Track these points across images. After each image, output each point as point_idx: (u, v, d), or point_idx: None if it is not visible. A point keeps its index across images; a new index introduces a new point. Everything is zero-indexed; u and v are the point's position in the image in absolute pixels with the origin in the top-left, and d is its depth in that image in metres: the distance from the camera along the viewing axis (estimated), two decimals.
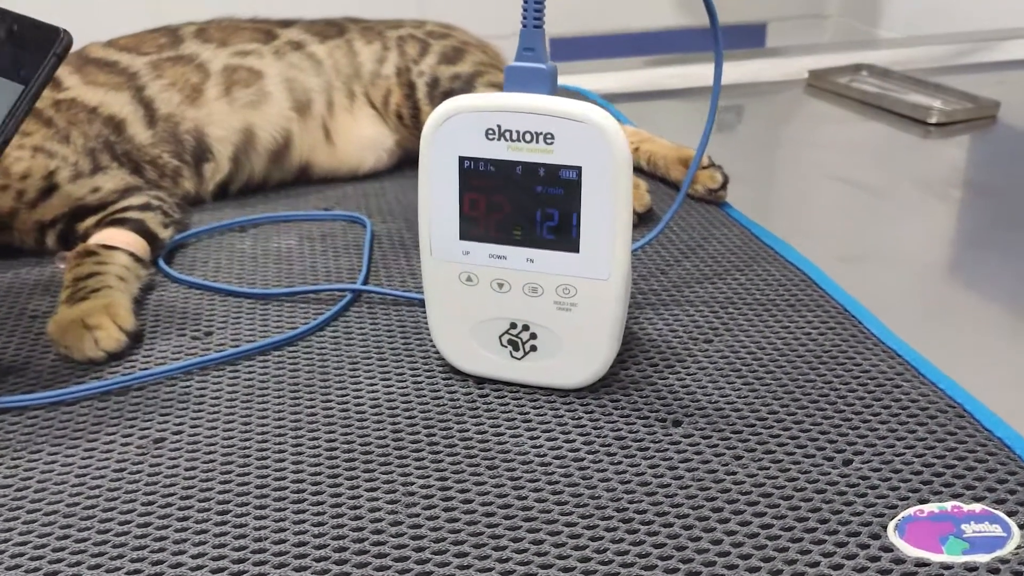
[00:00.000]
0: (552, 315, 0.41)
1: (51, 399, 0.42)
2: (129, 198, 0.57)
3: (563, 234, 0.40)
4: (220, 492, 0.36)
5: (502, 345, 0.43)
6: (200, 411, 0.42)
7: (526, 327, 0.42)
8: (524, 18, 0.39)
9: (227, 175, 0.65)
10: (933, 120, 0.83)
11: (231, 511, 0.35)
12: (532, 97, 0.39)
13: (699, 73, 1.03)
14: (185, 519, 0.35)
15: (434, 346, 0.46)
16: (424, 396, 0.42)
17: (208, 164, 0.64)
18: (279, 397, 0.43)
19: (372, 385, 0.43)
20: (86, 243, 0.52)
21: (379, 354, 0.46)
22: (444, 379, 0.44)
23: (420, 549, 0.33)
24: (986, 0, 1.45)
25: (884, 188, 0.67)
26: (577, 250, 0.40)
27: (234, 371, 0.45)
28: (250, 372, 0.45)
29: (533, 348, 0.42)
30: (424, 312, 0.50)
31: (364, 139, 0.69)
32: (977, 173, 0.71)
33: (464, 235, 0.41)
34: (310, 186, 0.68)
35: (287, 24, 0.72)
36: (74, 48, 0.41)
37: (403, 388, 0.43)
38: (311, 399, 0.42)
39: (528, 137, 0.39)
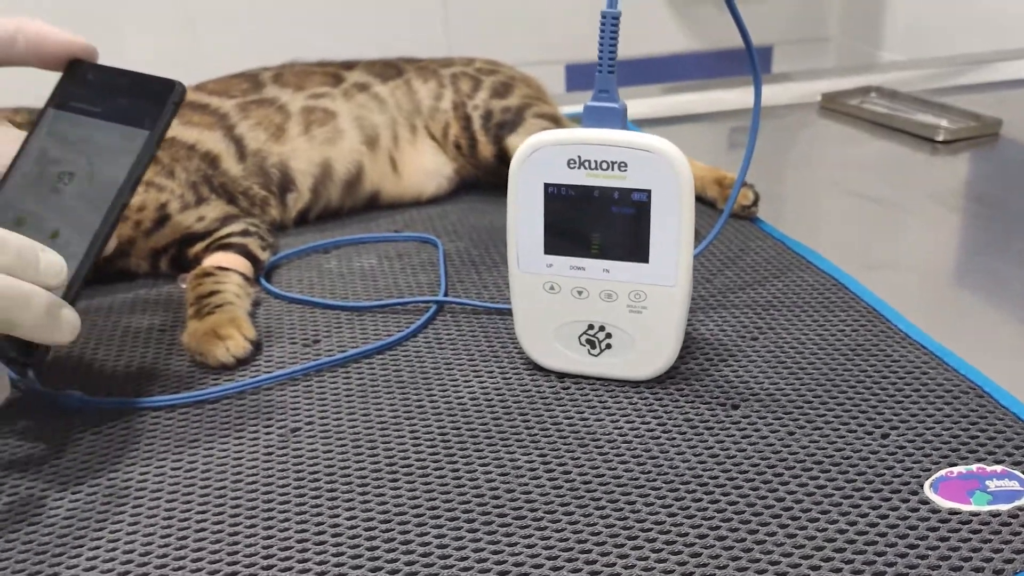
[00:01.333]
0: (625, 317, 0.48)
1: (197, 398, 0.49)
2: (230, 225, 0.64)
3: (634, 247, 0.47)
4: (356, 470, 0.43)
5: (581, 344, 0.50)
6: (324, 406, 0.48)
7: (602, 328, 0.49)
8: (599, 66, 0.46)
9: (307, 203, 0.72)
10: (940, 138, 0.90)
11: (368, 484, 0.42)
12: (608, 132, 0.46)
13: (716, 98, 1.11)
14: (332, 490, 0.42)
15: (516, 347, 0.53)
16: (515, 389, 0.49)
17: (291, 194, 0.71)
18: (389, 393, 0.50)
19: (467, 381, 0.50)
20: (202, 266, 0.59)
21: (468, 355, 0.53)
22: (529, 375, 0.51)
23: (534, 510, 0.40)
24: (982, 22, 1.53)
25: (898, 201, 0.74)
26: (647, 260, 0.47)
27: (346, 373, 0.52)
28: (360, 373, 0.52)
29: (608, 346, 0.49)
30: (501, 318, 0.57)
31: (426, 168, 0.76)
32: (983, 186, 0.77)
33: (548, 250, 0.48)
34: (379, 211, 0.75)
35: (350, 66, 0.79)
36: None
37: (495, 383, 0.50)
38: (417, 394, 0.49)
39: (604, 166, 0.46)
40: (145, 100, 0.47)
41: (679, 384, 0.49)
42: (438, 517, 0.40)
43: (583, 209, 0.47)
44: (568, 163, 0.47)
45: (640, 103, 1.06)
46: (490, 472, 0.43)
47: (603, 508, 0.40)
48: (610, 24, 0.46)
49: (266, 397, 0.49)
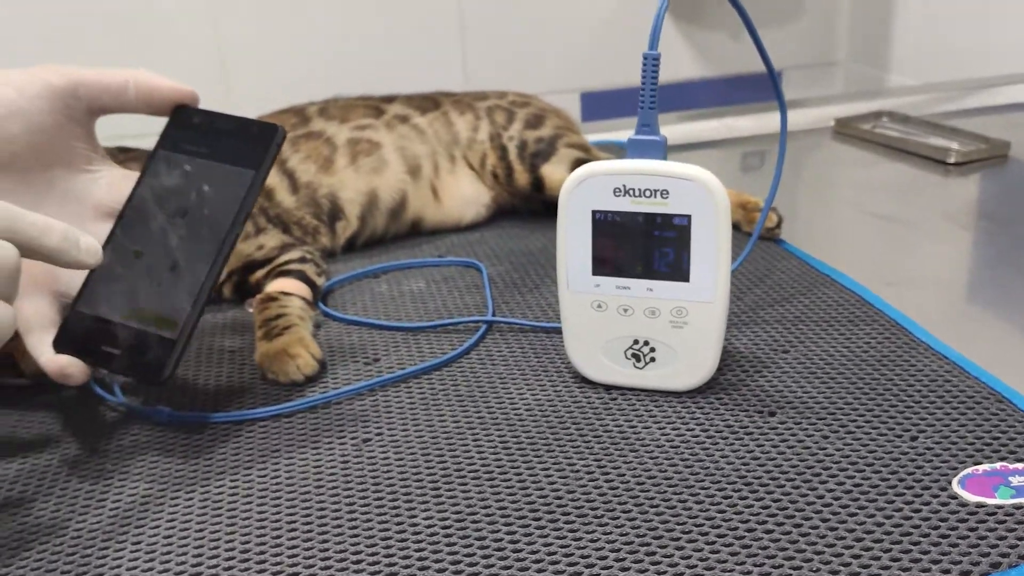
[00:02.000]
0: (668, 332, 0.52)
1: (274, 412, 0.53)
2: (288, 253, 0.68)
3: (676, 267, 0.51)
4: (428, 476, 0.47)
5: (627, 358, 0.54)
6: (391, 418, 0.52)
7: (647, 343, 0.53)
8: (641, 102, 0.51)
9: (355, 231, 0.76)
10: (952, 160, 0.94)
11: (440, 489, 0.46)
12: (650, 162, 0.50)
13: (730, 125, 1.15)
14: (408, 495, 0.46)
15: (563, 362, 0.57)
16: (566, 400, 0.53)
17: (340, 222, 0.75)
18: (449, 405, 0.53)
19: (521, 394, 0.54)
20: (266, 291, 0.63)
21: (519, 370, 0.57)
22: (578, 387, 0.55)
23: (595, 509, 0.44)
24: (988, 45, 1.57)
25: (913, 220, 0.78)
26: (688, 279, 0.51)
27: (408, 388, 0.56)
28: (420, 388, 0.56)
29: (652, 359, 0.53)
30: (547, 336, 0.61)
31: (465, 196, 0.81)
32: (993, 206, 0.81)
33: (595, 271, 0.53)
34: (421, 237, 0.79)
35: (389, 100, 0.84)
36: None
37: (547, 395, 0.54)
38: (475, 406, 0.53)
39: (648, 193, 0.50)
40: (249, 142, 0.51)
41: (719, 394, 0.53)
42: (508, 517, 0.43)
43: (628, 233, 0.51)
44: (614, 191, 0.51)
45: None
46: (551, 476, 0.46)
47: (658, 507, 0.44)
48: (651, 65, 0.50)
49: (336, 411, 0.53)
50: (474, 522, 0.43)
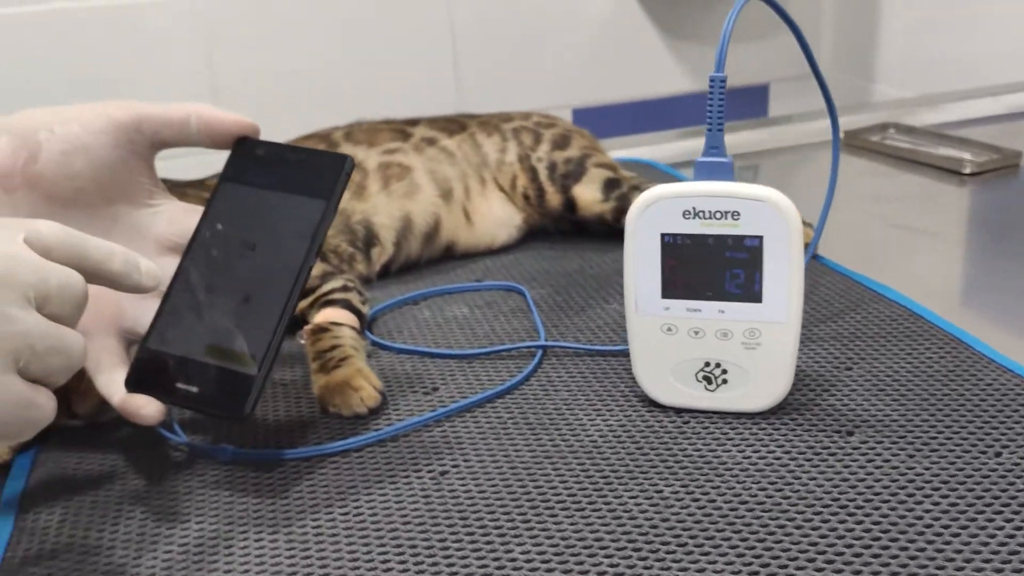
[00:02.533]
0: (740, 353, 0.52)
1: (343, 447, 0.52)
2: (330, 282, 0.67)
3: (748, 288, 0.51)
4: (515, 507, 0.46)
5: (698, 380, 0.53)
6: (464, 449, 0.52)
7: (718, 364, 0.53)
8: (709, 125, 0.51)
9: (390, 257, 0.75)
10: (967, 171, 0.95)
11: (530, 520, 0.45)
12: (721, 184, 0.50)
13: (730, 141, 1.15)
14: (499, 528, 0.45)
15: (627, 385, 0.56)
16: (638, 425, 0.53)
17: (375, 248, 0.74)
18: (521, 434, 0.53)
19: (591, 420, 0.54)
20: (316, 321, 0.62)
21: (584, 396, 0.56)
22: (648, 411, 0.54)
23: (693, 537, 0.43)
24: (973, 55, 1.60)
25: (940, 231, 0.79)
26: (760, 300, 0.51)
27: (473, 417, 0.55)
28: (487, 417, 0.55)
29: (724, 381, 0.53)
30: (603, 359, 0.60)
31: (497, 218, 0.80)
32: (1016, 215, 0.82)
33: (665, 294, 0.52)
34: (454, 262, 0.79)
35: (413, 123, 0.83)
36: None
37: (618, 420, 0.53)
38: (548, 433, 0.53)
39: (719, 215, 0.50)
40: (318, 172, 0.50)
41: (791, 414, 0.53)
42: (607, 548, 0.43)
43: (698, 256, 0.51)
44: (683, 214, 0.51)
45: (658, 149, 1.10)
46: (641, 504, 0.46)
47: (757, 533, 0.43)
48: (718, 87, 0.50)
49: (406, 443, 0.53)
50: (574, 555, 0.43)
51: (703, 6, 1.90)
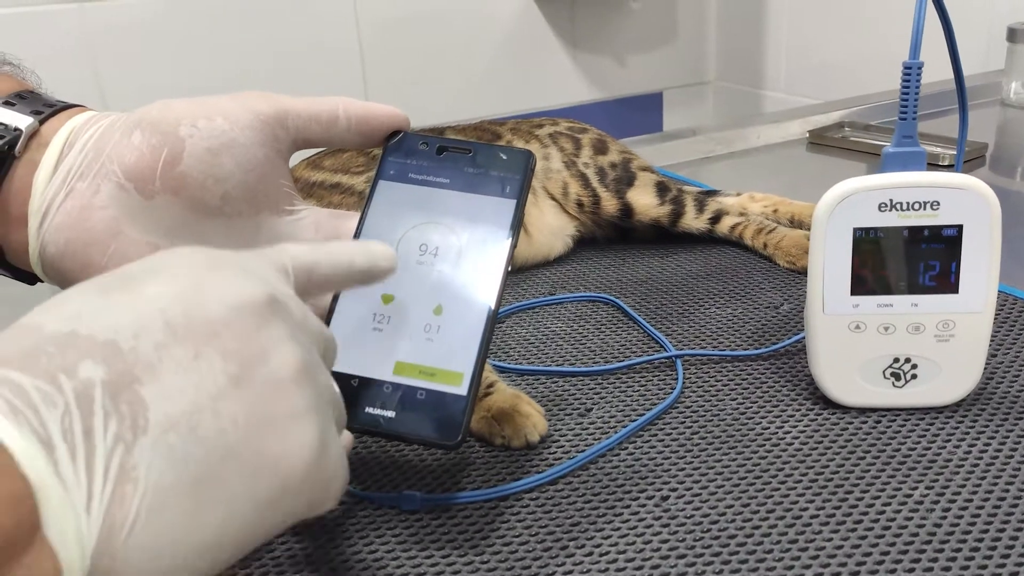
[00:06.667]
0: (932, 347, 0.51)
1: (538, 481, 0.47)
2: None
3: (943, 279, 0.50)
4: (753, 526, 0.43)
5: (885, 377, 0.51)
6: (665, 469, 0.48)
7: (908, 360, 0.51)
8: (903, 113, 0.49)
9: None
10: (945, 163, 0.99)
11: (772, 536, 0.42)
12: (919, 174, 0.49)
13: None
14: (753, 552, 0.41)
15: (793, 388, 0.54)
16: (834, 428, 0.50)
17: None
18: (715, 447, 0.49)
19: (779, 427, 0.51)
20: None
21: (752, 402, 0.53)
22: (830, 412, 0.52)
23: (943, 542, 0.41)
24: (857, 61, 1.69)
25: None
26: (956, 291, 0.50)
27: (651, 433, 0.51)
28: (664, 433, 0.51)
29: (914, 376, 0.51)
30: (745, 364, 0.58)
31: (552, 228, 0.76)
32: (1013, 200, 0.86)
33: (855, 291, 0.50)
34: (515, 276, 0.74)
35: (441, 132, 0.78)
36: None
37: (808, 426, 0.51)
38: (734, 447, 0.49)
39: (916, 206, 0.49)
40: (498, 169, 0.45)
41: (982, 405, 0.52)
42: (864, 561, 0.40)
43: (892, 249, 0.49)
44: (879, 207, 0.49)
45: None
46: (885, 511, 0.43)
47: (961, 518, 0.42)
48: (915, 74, 0.49)
49: (598, 469, 0.48)
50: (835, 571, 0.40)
51: (599, 18, 1.91)
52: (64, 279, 0.42)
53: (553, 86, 1.89)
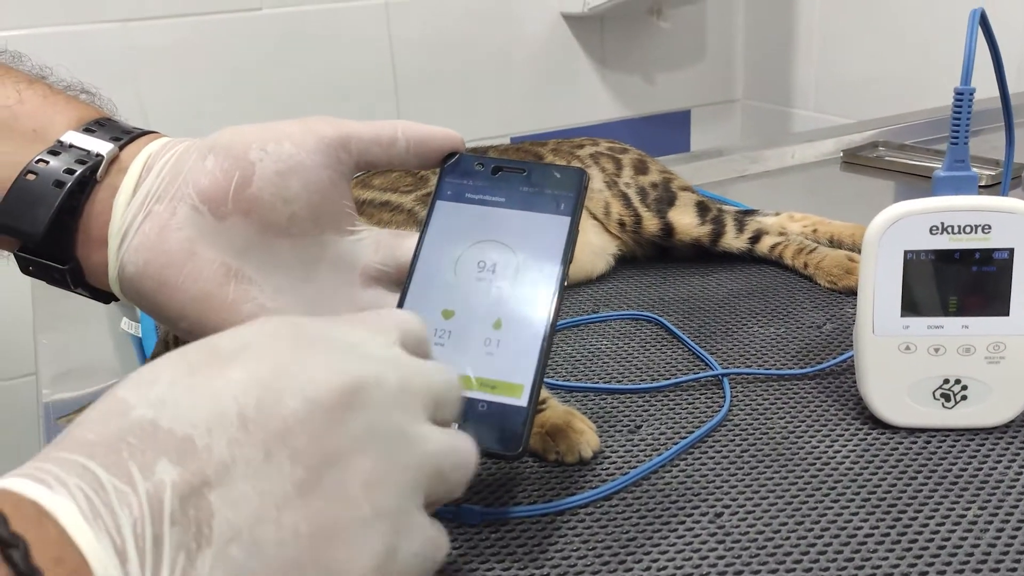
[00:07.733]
0: (983, 368, 0.51)
1: (596, 496, 0.48)
2: None
3: (995, 302, 0.50)
4: (808, 544, 0.43)
5: (935, 399, 0.52)
6: (718, 487, 0.48)
7: (958, 381, 0.52)
8: (955, 138, 0.50)
9: None
10: (983, 183, 1.00)
11: (828, 554, 0.42)
12: (971, 198, 0.50)
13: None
14: (808, 570, 0.42)
15: (839, 407, 0.55)
16: (884, 449, 0.51)
17: None
18: (765, 465, 0.50)
19: (831, 446, 0.51)
20: None
21: (802, 422, 0.54)
22: (880, 433, 0.53)
23: (999, 562, 0.42)
24: (885, 79, 1.69)
25: None
26: (1007, 313, 0.50)
27: (697, 452, 0.52)
28: (715, 451, 0.52)
29: (964, 397, 0.52)
30: (794, 382, 0.58)
31: (594, 247, 0.77)
32: None
33: (904, 313, 0.51)
34: None
35: (483, 153, 0.79)
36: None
37: (854, 445, 0.51)
38: (784, 465, 0.50)
39: (968, 229, 0.50)
40: (552, 188, 0.46)
41: None
42: (868, 564, 0.41)
43: (943, 271, 0.50)
44: (930, 230, 0.50)
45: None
46: (939, 531, 0.44)
47: (1013, 542, 0.42)
48: (967, 100, 0.49)
49: (650, 486, 0.49)
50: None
51: (628, 37, 1.93)
52: (141, 297, 0.44)
53: (582, 104, 1.91)
